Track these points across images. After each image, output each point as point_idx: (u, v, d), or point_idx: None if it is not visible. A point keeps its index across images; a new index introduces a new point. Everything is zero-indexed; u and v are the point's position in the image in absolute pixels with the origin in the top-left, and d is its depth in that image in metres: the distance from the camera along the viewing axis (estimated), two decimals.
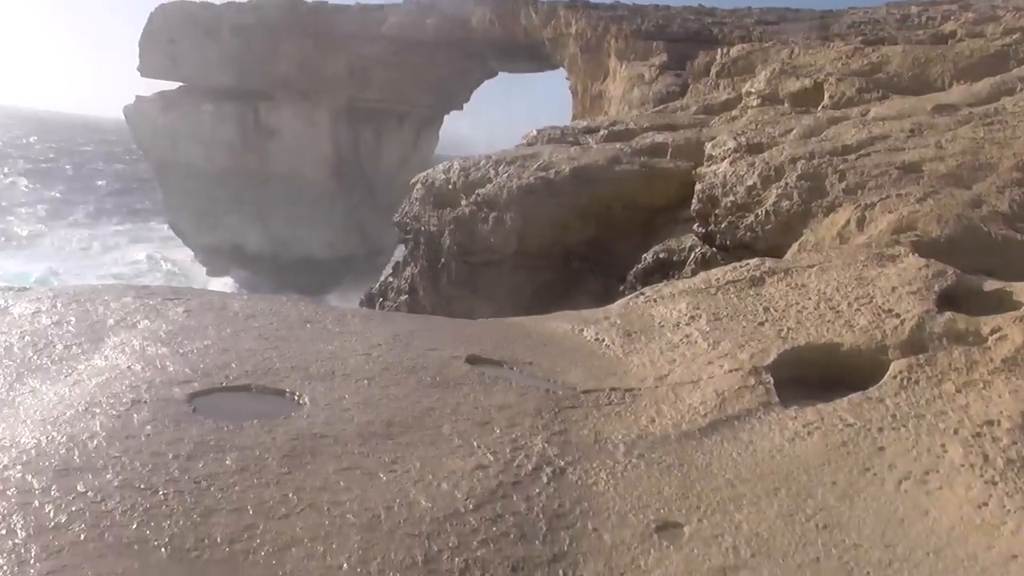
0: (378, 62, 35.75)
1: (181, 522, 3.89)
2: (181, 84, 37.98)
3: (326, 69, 35.46)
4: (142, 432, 4.74)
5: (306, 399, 5.38)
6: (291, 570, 3.63)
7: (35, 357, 6.16)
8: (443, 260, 15.58)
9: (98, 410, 5.01)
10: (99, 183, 62.31)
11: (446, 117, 42.11)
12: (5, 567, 3.49)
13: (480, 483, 4.45)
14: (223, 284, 34.21)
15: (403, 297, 16.98)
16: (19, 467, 4.28)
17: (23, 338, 6.55)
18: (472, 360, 6.40)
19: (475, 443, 4.93)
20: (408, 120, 39.14)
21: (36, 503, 3.96)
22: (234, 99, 36.40)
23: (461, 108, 41.76)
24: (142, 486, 4.16)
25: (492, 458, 4.75)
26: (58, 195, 58.33)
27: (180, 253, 41.33)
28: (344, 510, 4.09)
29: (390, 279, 18.09)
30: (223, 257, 37.26)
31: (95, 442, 4.59)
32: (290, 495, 4.18)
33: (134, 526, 3.83)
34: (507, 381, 6.02)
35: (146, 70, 37.95)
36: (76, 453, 4.45)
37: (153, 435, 4.72)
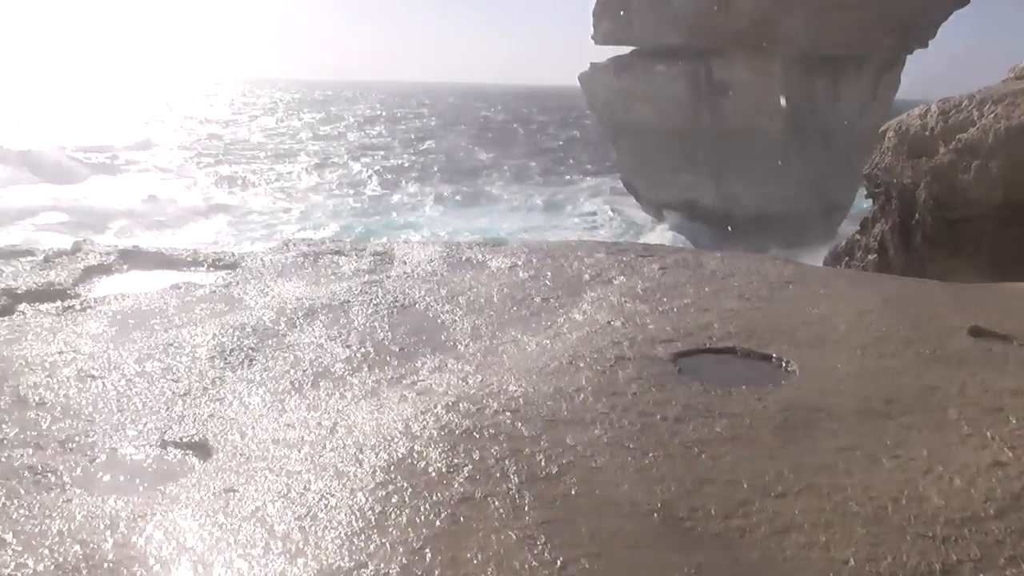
0: (837, 5, 33.92)
1: (673, 488, 3.71)
2: (633, 48, 38.69)
3: (781, 19, 34.24)
4: (628, 390, 4.66)
5: (795, 366, 5.03)
6: (790, 557, 3.29)
7: (515, 308, 6.36)
8: (917, 215, 14.30)
9: (582, 364, 5.01)
10: (552, 144, 65.65)
11: (908, 57, 39.17)
12: (501, 510, 3.51)
13: (1000, 484, 3.76)
14: (674, 240, 34.53)
15: (871, 256, 15.88)
16: (508, 414, 4.36)
17: (502, 290, 6.82)
18: (975, 332, 5.65)
19: (988, 433, 4.25)
20: (867, 65, 36.86)
21: (527, 450, 3.99)
22: (685, 58, 36.42)
23: (926, 46, 38.51)
24: (631, 446, 4.06)
25: (1010, 454, 4.05)
26: (516, 160, 62.17)
27: (632, 210, 42.37)
28: (846, 496, 3.66)
29: (857, 236, 16.99)
30: (675, 214, 37.67)
31: (581, 396, 4.57)
32: (786, 472, 3.84)
33: (625, 487, 3.72)
34: (1020, 361, 5.22)
35: (600, 37, 39.08)
36: (564, 405, 4.46)
37: (639, 394, 4.62)
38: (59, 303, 7.53)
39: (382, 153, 61.04)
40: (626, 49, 39.44)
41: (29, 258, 9.29)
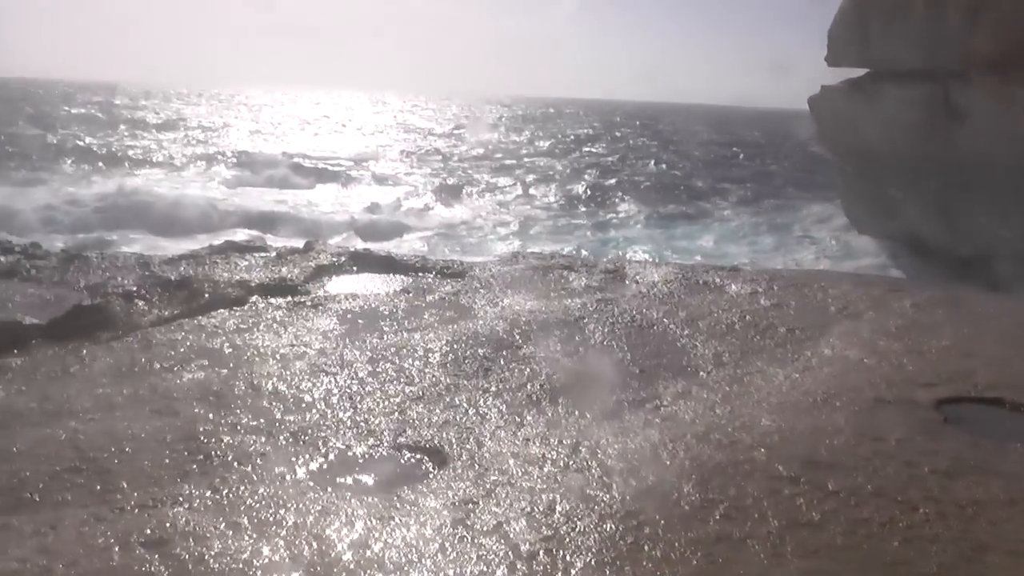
0: None
1: (948, 551, 3.34)
2: (868, 71, 37.13)
3: None
4: (891, 435, 4.29)
5: None
6: None
7: (758, 337, 6.05)
8: None
9: (838, 403, 4.67)
10: (774, 168, 63.97)
11: None
12: (761, 554, 3.25)
13: None
14: (892, 272, 32.79)
15: None
16: (763, 450, 4.08)
17: (744, 317, 6.50)
18: None
19: None
20: None
21: (786, 491, 3.71)
22: (923, 81, 34.58)
23: None
24: (899, 498, 3.70)
25: None
26: (736, 183, 60.91)
27: (855, 239, 40.63)
28: None
29: None
30: (897, 245, 35.88)
31: (841, 438, 4.23)
32: None
33: (895, 543, 3.38)
34: None
35: (834, 58, 37.69)
36: (822, 446, 4.14)
37: (904, 441, 4.24)
38: (290, 298, 7.75)
39: (598, 171, 61.05)
40: (860, 71, 37.88)
41: (262, 254, 9.65)
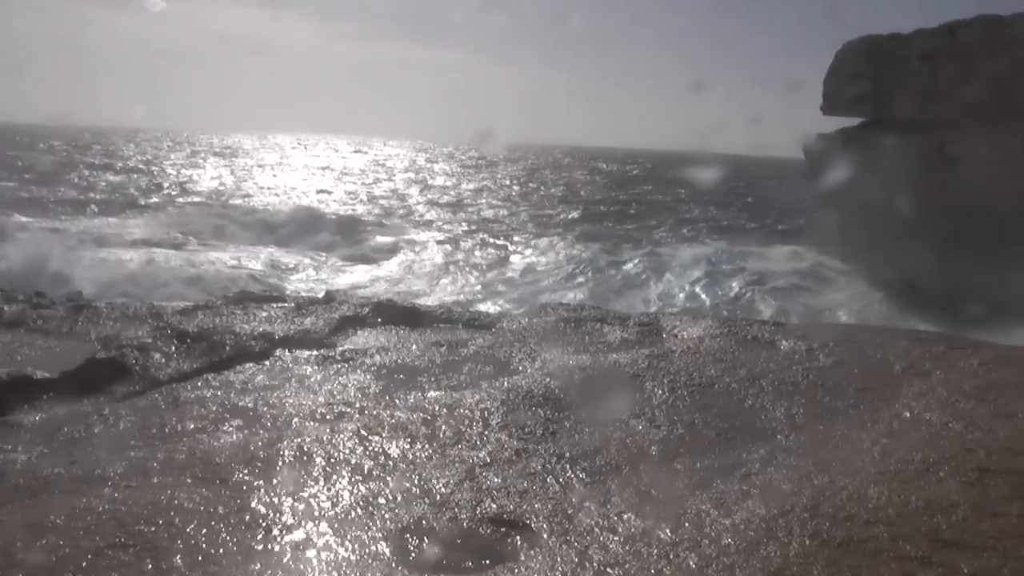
0: None
1: None
2: (862, 120, 37.38)
3: (1020, 88, 32.15)
4: (1010, 511, 3.98)
5: None
6: None
7: (828, 398, 5.77)
8: None
9: (941, 472, 4.36)
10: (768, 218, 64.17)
11: None
12: None
13: None
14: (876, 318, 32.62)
15: None
16: (882, 527, 3.78)
17: (807, 376, 6.23)
18: None
19: None
20: None
21: (921, 575, 3.40)
22: (917, 130, 34.78)
23: None
24: None
25: None
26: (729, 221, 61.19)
27: (842, 287, 40.56)
28: None
29: None
30: (895, 293, 35.80)
31: (959, 513, 3.92)
32: None
33: None
34: None
35: (829, 108, 37.96)
36: (942, 523, 3.83)
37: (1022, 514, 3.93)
38: (316, 351, 7.44)
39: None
40: (855, 120, 38.16)
41: (281, 304, 9.33)
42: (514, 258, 45.49)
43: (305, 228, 48.75)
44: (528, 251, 47.00)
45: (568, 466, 4.67)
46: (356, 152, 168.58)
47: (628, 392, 5.95)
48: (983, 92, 32.97)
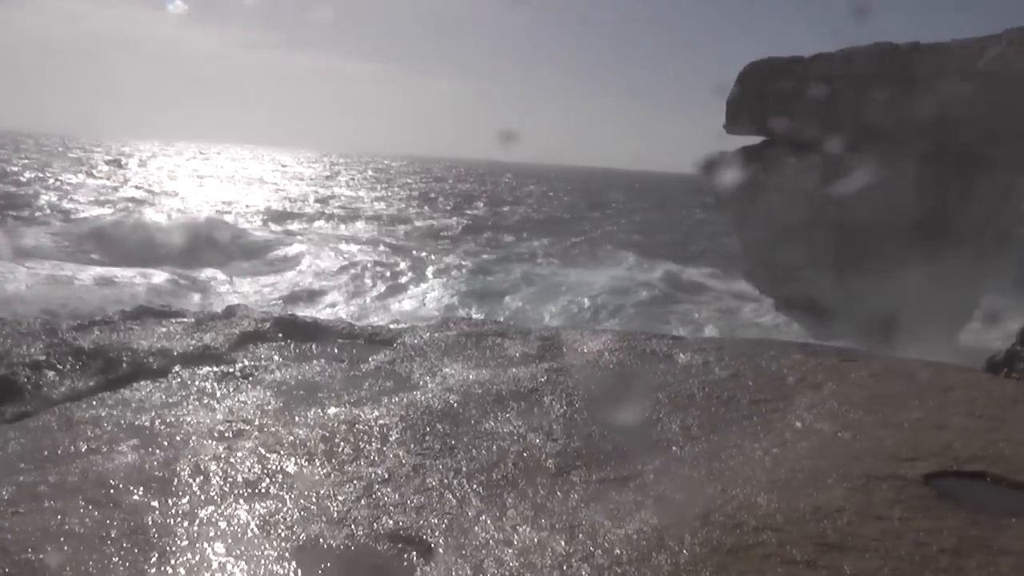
0: (971, 102, 32.97)
1: None
2: (764, 139, 38.24)
3: (913, 114, 33.39)
4: (892, 514, 4.12)
5: None
6: None
7: (723, 410, 5.89)
8: None
9: (830, 480, 4.49)
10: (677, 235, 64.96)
11: None
12: None
13: None
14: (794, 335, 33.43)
15: None
16: (771, 532, 3.88)
17: (703, 388, 6.35)
18: None
19: None
20: (1000, 166, 35.59)
21: None
22: (817, 150, 35.79)
23: None
24: None
25: None
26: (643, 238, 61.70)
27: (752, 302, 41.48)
28: None
29: (1017, 348, 16.17)
30: (796, 309, 36.73)
31: (844, 518, 4.04)
32: None
33: None
34: None
35: (732, 127, 38.70)
36: (828, 527, 3.94)
37: (906, 519, 4.07)
38: (216, 368, 7.33)
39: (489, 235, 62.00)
40: (757, 139, 39.01)
41: (180, 319, 9.16)
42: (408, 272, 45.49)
43: (204, 241, 47.74)
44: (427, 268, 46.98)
45: (465, 481, 4.68)
46: (260, 162, 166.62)
47: (527, 407, 5.99)
48: (878, 115, 34.11)
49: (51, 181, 77.91)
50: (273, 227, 60.53)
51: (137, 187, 79.75)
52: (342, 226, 65.07)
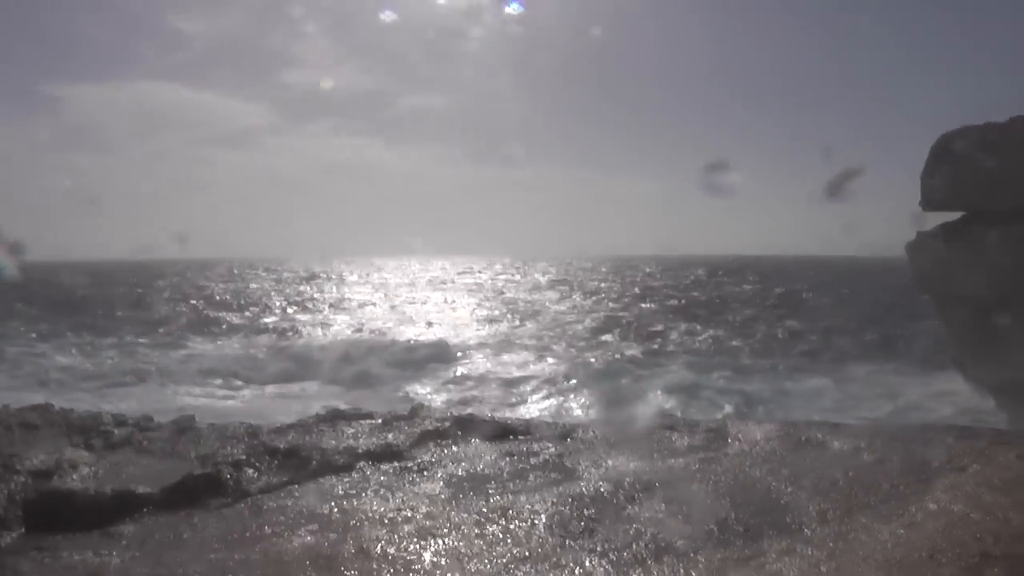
0: None
1: None
2: (963, 214, 36.81)
3: None
4: None
5: None
6: None
7: (862, 494, 6.04)
8: None
9: (943, 559, 4.63)
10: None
11: None
12: None
13: None
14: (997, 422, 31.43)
15: None
16: None
17: (847, 474, 6.50)
18: None
19: None
20: None
21: None
22: (1019, 220, 33.99)
23: None
24: None
25: None
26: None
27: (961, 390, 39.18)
28: None
29: None
30: (1010, 393, 34.62)
31: None
32: None
33: None
34: None
35: (928, 203, 37.48)
36: None
37: None
38: (396, 464, 7.95)
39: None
40: (955, 215, 37.52)
41: (368, 420, 9.93)
42: None
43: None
44: None
45: (597, 559, 5.09)
46: (462, 273, 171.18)
47: (672, 494, 6.31)
48: None
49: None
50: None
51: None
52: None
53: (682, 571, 4.84)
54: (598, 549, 5.26)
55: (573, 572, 4.91)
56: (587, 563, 5.04)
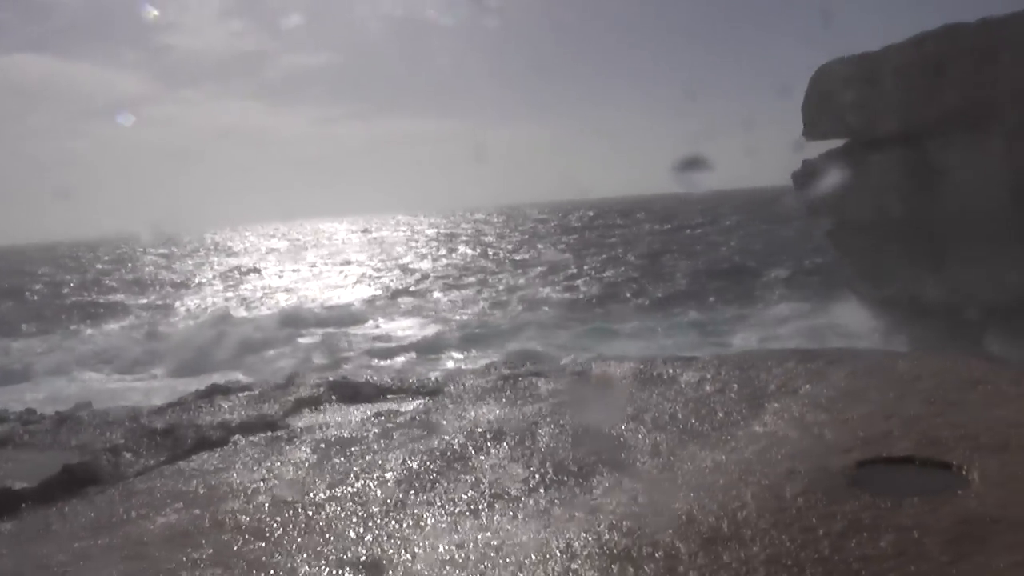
0: None
1: None
2: (846, 140, 37.73)
3: (994, 89, 32.20)
4: (793, 504, 4.56)
5: (974, 474, 4.74)
6: None
7: (697, 424, 6.35)
8: None
9: (751, 479, 4.95)
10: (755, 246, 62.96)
11: None
12: None
13: None
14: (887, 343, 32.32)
15: None
16: (670, 531, 4.36)
17: (687, 405, 6.81)
18: None
19: None
20: None
21: (680, 569, 4.00)
22: (899, 145, 35.06)
23: None
24: (789, 562, 3.97)
25: None
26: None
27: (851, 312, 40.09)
28: None
29: None
30: (900, 311, 35.70)
31: (745, 512, 4.51)
32: None
33: None
34: None
35: (811, 133, 38.32)
36: (725, 523, 4.42)
37: (805, 508, 4.51)
38: (268, 433, 8.07)
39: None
40: (838, 142, 38.45)
41: (246, 393, 10.02)
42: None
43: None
44: None
45: (434, 511, 5.31)
46: (356, 232, 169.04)
47: (520, 440, 6.55)
48: (957, 99, 33.27)
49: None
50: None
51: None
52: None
53: (510, 515, 5.07)
54: (437, 502, 5.47)
55: (410, 525, 5.11)
56: (425, 516, 5.24)
